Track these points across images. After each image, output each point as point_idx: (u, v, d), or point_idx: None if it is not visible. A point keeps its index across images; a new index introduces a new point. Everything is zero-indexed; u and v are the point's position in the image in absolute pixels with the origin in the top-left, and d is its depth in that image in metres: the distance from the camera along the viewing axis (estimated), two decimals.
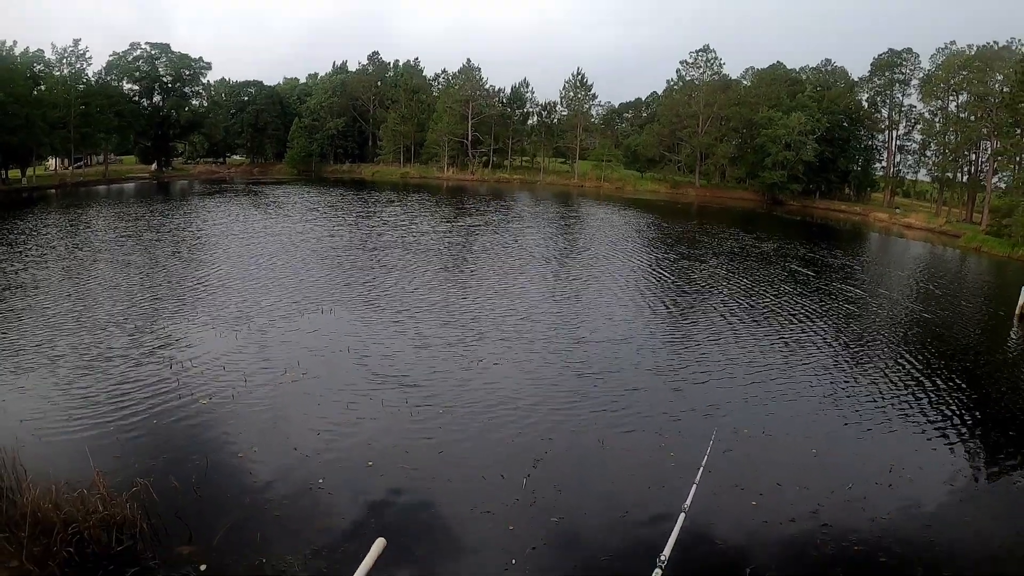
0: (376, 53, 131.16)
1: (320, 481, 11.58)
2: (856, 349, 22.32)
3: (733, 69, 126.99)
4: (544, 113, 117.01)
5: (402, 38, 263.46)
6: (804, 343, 22.46)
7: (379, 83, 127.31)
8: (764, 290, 31.01)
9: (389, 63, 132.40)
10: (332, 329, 21.00)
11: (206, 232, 41.66)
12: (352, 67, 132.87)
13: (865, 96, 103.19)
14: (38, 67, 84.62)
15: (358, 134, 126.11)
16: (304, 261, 32.23)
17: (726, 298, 28.74)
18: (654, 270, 35.38)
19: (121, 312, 22.03)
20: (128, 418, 13.72)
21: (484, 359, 18.73)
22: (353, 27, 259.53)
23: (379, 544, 4.70)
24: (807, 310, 27.49)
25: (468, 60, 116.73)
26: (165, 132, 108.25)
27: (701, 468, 7.72)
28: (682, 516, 6.32)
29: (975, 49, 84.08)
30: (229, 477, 11.68)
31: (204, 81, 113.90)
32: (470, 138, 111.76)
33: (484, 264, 33.97)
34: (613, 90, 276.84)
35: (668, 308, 26.85)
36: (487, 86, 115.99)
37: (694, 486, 7.11)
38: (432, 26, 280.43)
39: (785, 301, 28.89)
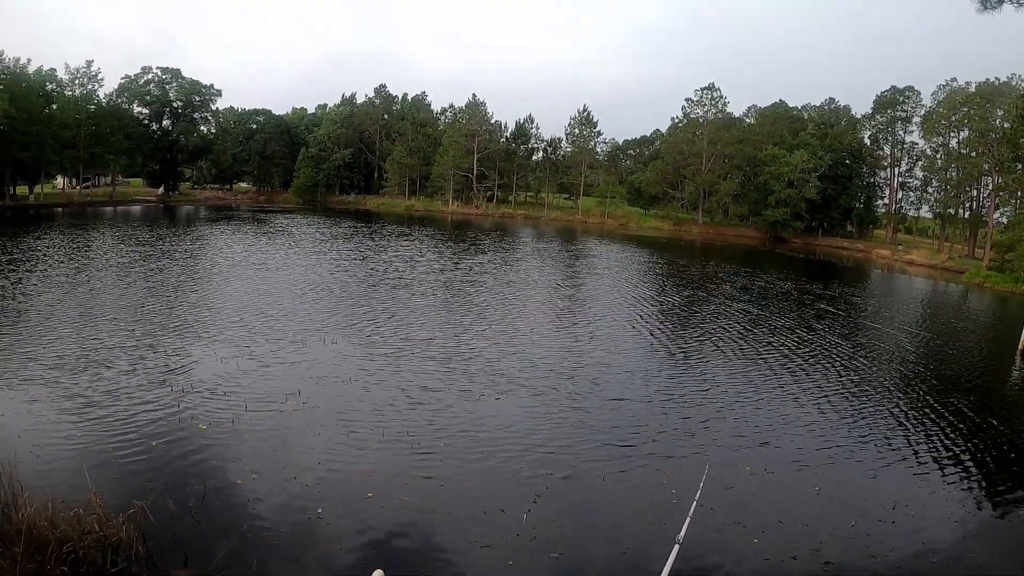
0: (383, 86, 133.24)
1: (319, 510, 11.48)
2: (859, 385, 22.20)
3: (736, 107, 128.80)
4: (549, 149, 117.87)
5: (413, 71, 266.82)
6: (806, 380, 22.37)
7: (386, 116, 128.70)
8: (780, 327, 31.04)
9: (396, 96, 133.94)
10: (335, 359, 20.91)
11: (211, 258, 41.81)
12: (360, 99, 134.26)
13: (867, 133, 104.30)
14: (50, 86, 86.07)
15: (364, 165, 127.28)
16: (309, 291, 32.18)
17: (739, 336, 28.75)
18: (675, 308, 35.42)
19: (124, 334, 21.98)
20: (127, 440, 13.64)
21: (486, 394, 18.59)
22: (365, 59, 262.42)
23: None
24: (811, 347, 27.44)
25: (474, 95, 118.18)
26: (173, 156, 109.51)
27: (695, 501, 7.70)
28: (676, 548, 6.30)
29: (975, 85, 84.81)
30: (227, 503, 11.58)
31: (213, 108, 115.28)
32: (475, 172, 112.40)
33: (492, 300, 33.78)
34: (617, 126, 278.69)
35: (676, 344, 26.80)
36: (493, 121, 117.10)
37: (687, 518, 7.10)
38: (443, 60, 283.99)
39: (798, 339, 28.88)
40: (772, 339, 28.37)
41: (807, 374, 23.12)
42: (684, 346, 26.23)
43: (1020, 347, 29.57)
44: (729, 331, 29.24)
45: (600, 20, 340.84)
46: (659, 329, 29.10)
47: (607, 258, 59.75)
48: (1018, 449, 17.71)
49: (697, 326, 30.26)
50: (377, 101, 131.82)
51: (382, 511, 11.73)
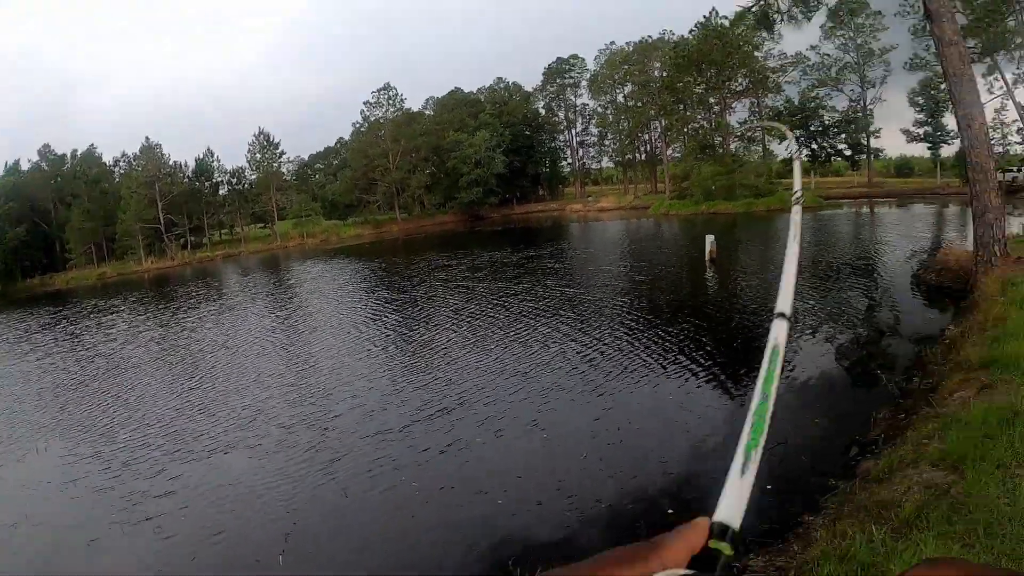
0: (48, 145, 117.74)
1: None
2: (579, 325, 23.83)
3: (415, 102, 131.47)
4: (234, 180, 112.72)
5: (84, 119, 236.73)
6: (535, 333, 23.38)
7: (57, 179, 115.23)
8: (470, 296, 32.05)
9: (66, 154, 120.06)
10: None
11: None
12: (25, 166, 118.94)
13: (541, 104, 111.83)
14: None
15: (43, 240, 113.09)
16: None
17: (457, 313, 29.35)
18: (389, 315, 35.28)
19: None
20: None
21: (202, 453, 17.32)
22: (26, 114, 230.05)
23: None
24: (544, 302, 28.92)
25: (147, 138, 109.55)
26: None
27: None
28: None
29: (633, 45, 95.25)
30: None
31: None
32: (163, 221, 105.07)
33: (208, 358, 31.71)
34: (301, 143, 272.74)
35: (399, 342, 26.85)
36: (171, 162, 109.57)
37: None
38: (103, 103, 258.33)
39: (533, 297, 30.06)
40: (505, 300, 30.13)
41: (534, 328, 24.38)
42: (416, 333, 26.41)
43: (707, 257, 35.31)
44: (468, 306, 30.01)
45: (264, 36, 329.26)
46: (396, 329, 29.02)
47: (319, 278, 58.33)
48: (720, 341, 20.30)
49: (438, 310, 30.78)
50: (44, 165, 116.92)
51: None
